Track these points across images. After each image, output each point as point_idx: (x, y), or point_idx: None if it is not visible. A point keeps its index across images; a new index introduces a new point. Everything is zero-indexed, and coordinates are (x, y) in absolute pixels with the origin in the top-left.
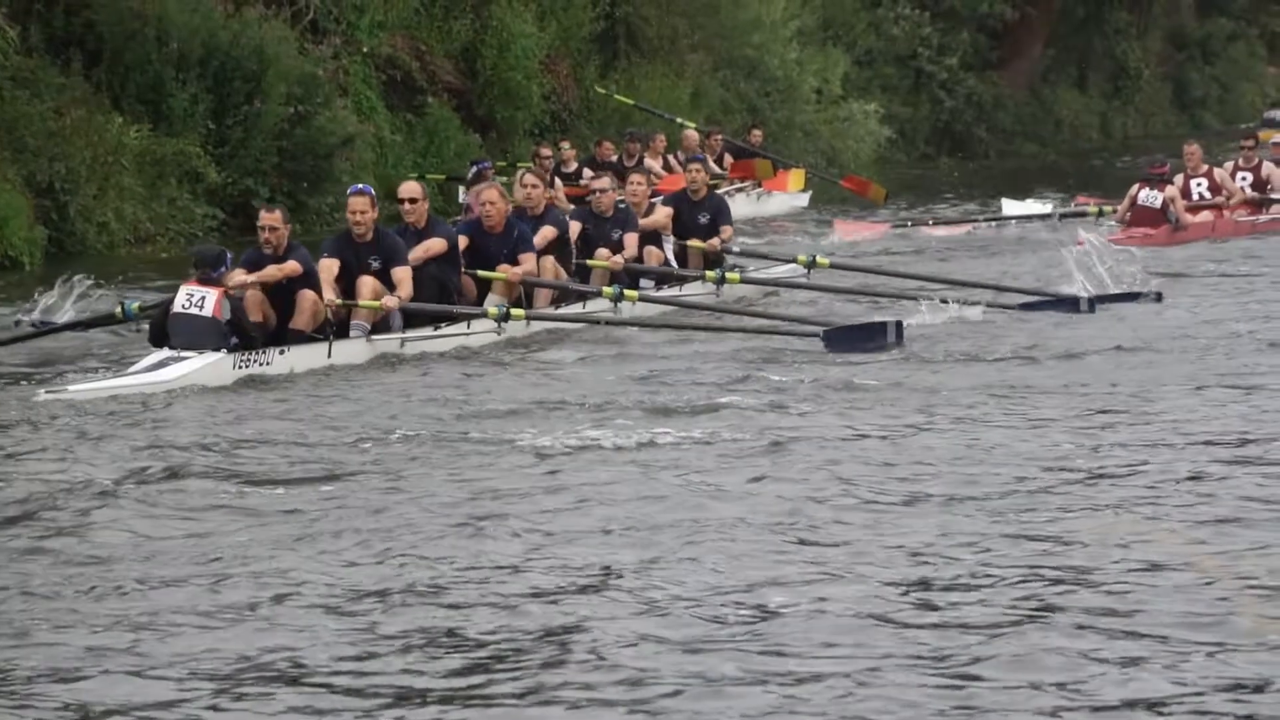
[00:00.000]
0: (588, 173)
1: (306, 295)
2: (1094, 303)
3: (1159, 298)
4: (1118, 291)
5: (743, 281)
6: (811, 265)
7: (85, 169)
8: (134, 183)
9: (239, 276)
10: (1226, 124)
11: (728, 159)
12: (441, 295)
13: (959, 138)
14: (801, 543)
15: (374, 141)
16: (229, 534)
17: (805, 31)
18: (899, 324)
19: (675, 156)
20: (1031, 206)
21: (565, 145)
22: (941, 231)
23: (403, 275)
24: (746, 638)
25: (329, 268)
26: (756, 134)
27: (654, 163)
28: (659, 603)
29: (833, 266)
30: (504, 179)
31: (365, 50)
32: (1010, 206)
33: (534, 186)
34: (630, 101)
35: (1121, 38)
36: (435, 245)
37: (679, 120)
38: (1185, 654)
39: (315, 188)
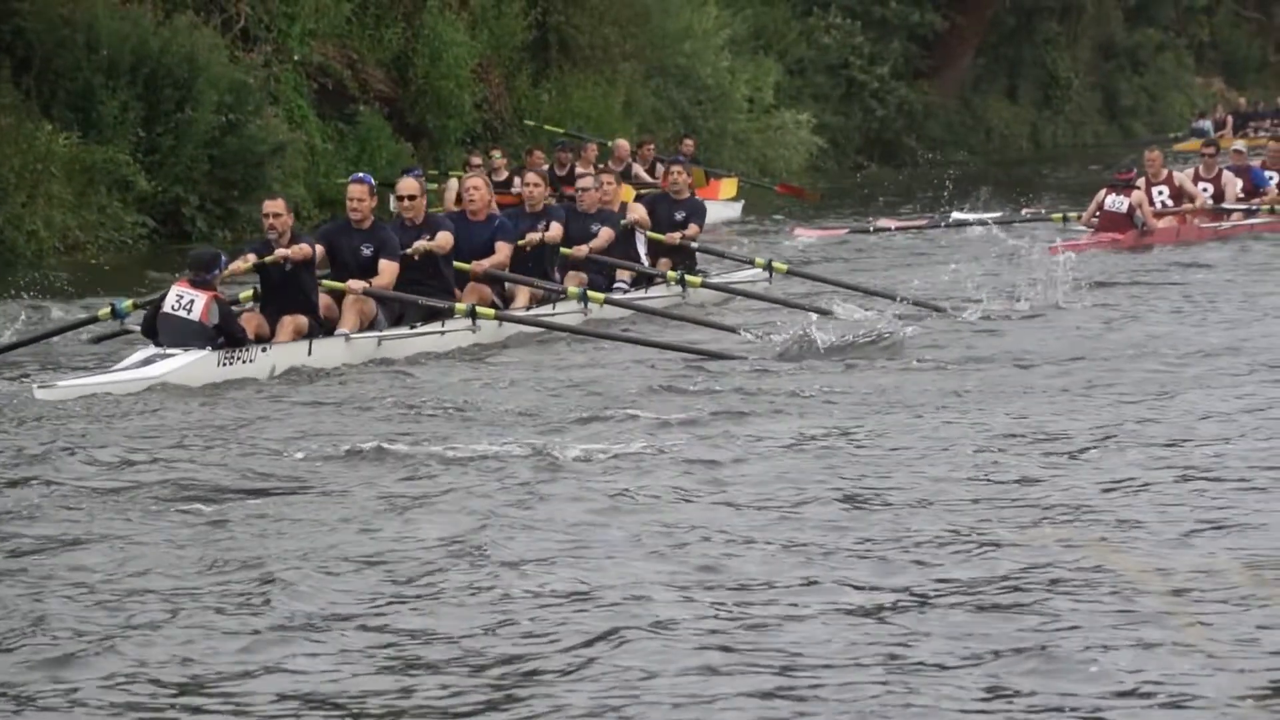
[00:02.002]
0: (519, 181)
1: (287, 321)
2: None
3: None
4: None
5: (703, 286)
6: (769, 269)
7: (14, 176)
8: (63, 190)
9: (244, 261)
10: (1155, 133)
11: (659, 168)
12: (441, 291)
13: (890, 146)
14: (765, 549)
15: (305, 150)
16: (197, 538)
17: (737, 40)
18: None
19: (607, 165)
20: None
21: (496, 154)
22: (892, 231)
23: (387, 268)
24: (714, 643)
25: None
26: (689, 143)
27: (585, 171)
28: (634, 611)
29: (790, 273)
30: (434, 186)
31: (296, 58)
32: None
33: (535, 185)
34: (560, 130)
35: (1051, 47)
36: (449, 240)
37: (609, 144)
38: (1123, 656)
39: (246, 196)
